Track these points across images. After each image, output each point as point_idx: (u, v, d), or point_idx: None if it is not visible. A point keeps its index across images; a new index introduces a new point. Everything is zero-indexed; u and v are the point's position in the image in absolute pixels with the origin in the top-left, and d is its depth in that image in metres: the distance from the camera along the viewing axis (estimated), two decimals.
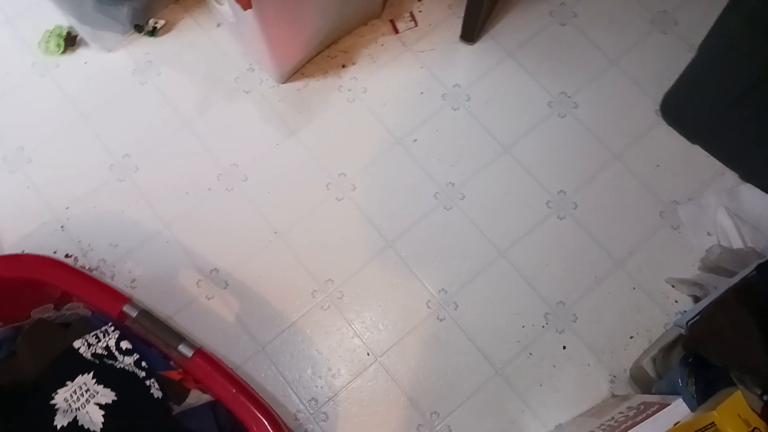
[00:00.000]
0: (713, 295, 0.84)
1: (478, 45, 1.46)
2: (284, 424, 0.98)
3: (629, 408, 0.91)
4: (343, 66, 1.45)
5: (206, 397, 1.02)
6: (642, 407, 0.87)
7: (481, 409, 1.19)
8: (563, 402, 1.19)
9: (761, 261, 0.73)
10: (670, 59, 1.42)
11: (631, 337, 1.22)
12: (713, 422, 0.71)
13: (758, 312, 0.73)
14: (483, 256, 1.29)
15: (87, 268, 1.29)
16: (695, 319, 0.83)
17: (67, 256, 1.31)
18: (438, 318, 1.25)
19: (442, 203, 1.33)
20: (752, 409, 0.71)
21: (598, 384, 1.19)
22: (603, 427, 0.92)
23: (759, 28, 1.02)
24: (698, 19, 1.45)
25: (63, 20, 1.46)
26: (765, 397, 0.72)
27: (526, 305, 1.25)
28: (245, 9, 0.95)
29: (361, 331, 1.25)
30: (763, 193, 1.28)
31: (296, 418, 1.20)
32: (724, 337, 0.74)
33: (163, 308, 1.26)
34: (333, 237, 1.31)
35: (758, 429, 0.70)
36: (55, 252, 1.31)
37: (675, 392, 0.85)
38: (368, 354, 1.23)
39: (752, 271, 0.79)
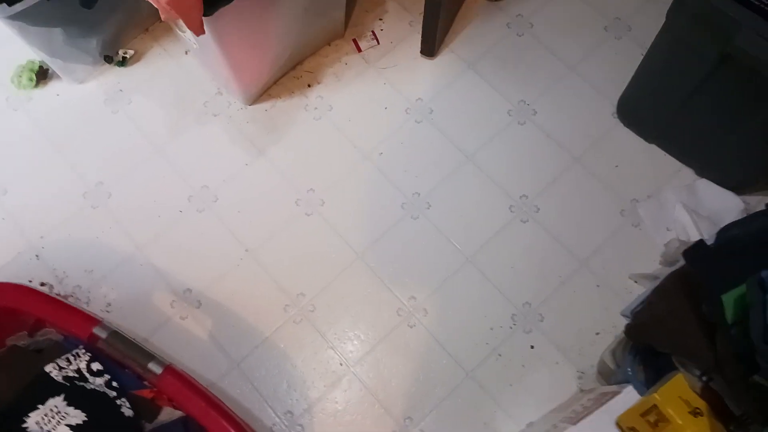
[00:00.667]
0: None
1: (438, 59, 1.50)
2: None
3: (589, 399, 0.93)
4: (309, 85, 1.49)
5: (178, 413, 1.04)
6: (600, 397, 0.89)
7: (454, 412, 1.21)
8: (534, 400, 1.20)
9: (685, 247, 0.76)
10: (626, 63, 1.45)
11: (597, 334, 1.24)
12: (655, 404, 0.74)
13: (694, 298, 0.75)
14: (450, 263, 1.31)
15: (62, 295, 1.32)
16: (639, 307, 0.86)
17: (42, 284, 1.33)
18: (408, 325, 1.27)
19: (408, 213, 1.36)
20: (693, 390, 0.74)
21: (567, 381, 1.21)
22: (563, 419, 0.94)
23: (703, 25, 1.06)
24: (651, 24, 1.46)
25: (34, 55, 1.50)
26: (704, 378, 0.75)
27: (494, 308, 1.27)
28: (197, 35, 0.99)
29: (334, 343, 1.27)
30: (719, 188, 1.32)
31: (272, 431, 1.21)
32: (664, 324, 0.77)
33: (138, 330, 1.28)
34: (303, 252, 1.34)
35: (699, 408, 0.73)
36: (30, 281, 1.33)
37: (628, 381, 0.87)
38: (341, 364, 1.25)
39: None
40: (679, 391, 0.74)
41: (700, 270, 0.72)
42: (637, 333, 0.84)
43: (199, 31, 0.98)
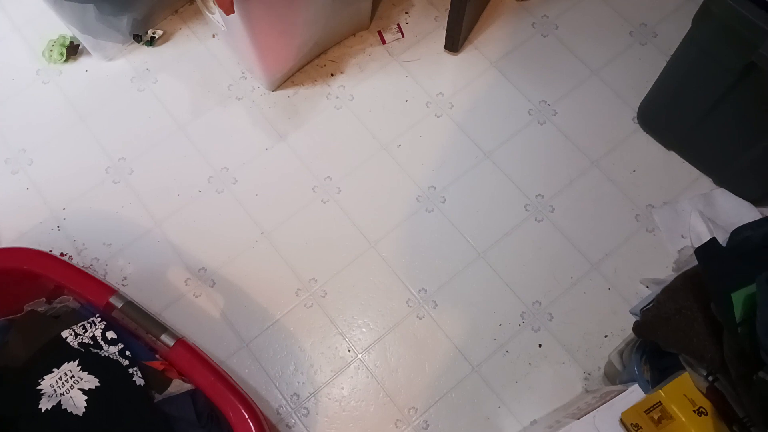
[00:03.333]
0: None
1: (462, 55, 1.51)
2: (260, 411, 1.01)
3: (593, 397, 0.94)
4: (332, 75, 1.51)
5: (187, 386, 1.06)
6: (604, 395, 0.90)
7: (457, 405, 1.22)
8: (538, 399, 1.21)
9: (698, 246, 0.76)
10: (649, 69, 1.46)
11: (606, 336, 1.25)
12: (660, 401, 0.74)
13: (703, 297, 0.76)
14: (462, 257, 1.32)
15: (81, 265, 1.34)
16: (648, 306, 0.86)
17: (62, 254, 1.36)
18: (418, 316, 1.28)
19: (423, 206, 1.37)
20: (698, 390, 0.74)
21: (572, 381, 1.22)
22: (568, 415, 0.95)
23: (728, 34, 1.06)
24: (676, 32, 1.48)
25: (66, 30, 1.53)
26: (710, 378, 0.75)
27: (504, 304, 1.28)
28: (227, 14, 1.01)
29: (343, 329, 1.28)
30: (736, 198, 1.31)
31: (278, 413, 1.23)
32: (671, 323, 0.77)
33: (152, 305, 1.31)
34: (318, 238, 1.36)
35: (703, 408, 0.73)
36: (50, 250, 1.36)
37: (634, 380, 0.87)
38: (349, 351, 1.27)
39: None
40: (684, 390, 0.74)
41: (711, 268, 0.73)
42: (645, 331, 0.84)
43: (228, 10, 1.00)
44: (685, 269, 0.81)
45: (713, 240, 0.76)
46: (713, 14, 1.07)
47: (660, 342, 0.81)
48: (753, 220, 1.27)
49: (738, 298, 0.67)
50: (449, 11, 1.37)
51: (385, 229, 1.36)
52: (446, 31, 1.44)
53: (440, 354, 1.26)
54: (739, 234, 0.78)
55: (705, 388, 0.75)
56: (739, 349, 0.66)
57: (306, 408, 1.23)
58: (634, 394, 0.82)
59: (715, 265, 0.72)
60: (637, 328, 0.86)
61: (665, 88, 1.31)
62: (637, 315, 0.92)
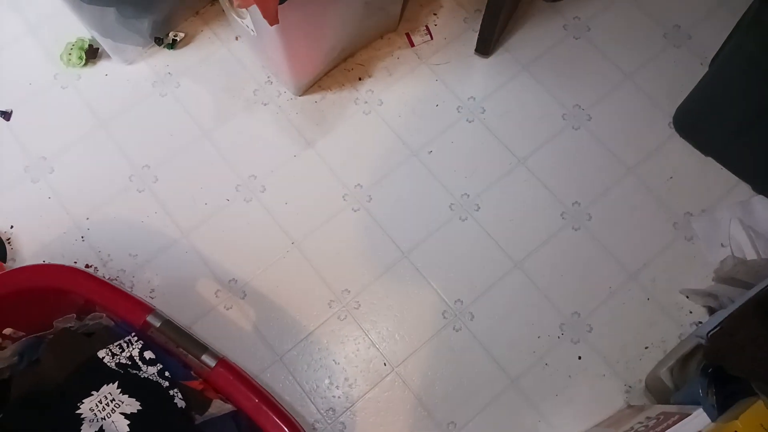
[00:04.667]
0: (731, 307, 0.85)
1: (492, 58, 1.48)
2: None
3: (648, 418, 0.92)
4: (360, 79, 1.47)
5: (228, 407, 1.03)
6: (662, 417, 0.88)
7: (496, 419, 1.20)
8: (578, 412, 1.19)
9: (762, 262, 0.74)
10: (684, 73, 1.43)
11: (646, 348, 1.23)
12: (736, 431, 0.72)
13: None
14: (498, 267, 1.30)
15: (107, 278, 1.31)
16: (715, 330, 0.84)
17: (87, 266, 1.32)
18: (454, 328, 1.26)
19: (457, 214, 1.34)
20: None
21: (613, 394, 1.20)
22: None
23: None
24: (711, 34, 1.46)
25: (85, 33, 1.49)
26: None
27: (542, 316, 1.26)
28: (272, 25, 0.97)
29: (378, 341, 1.26)
30: None
31: (314, 428, 1.21)
32: (746, 352, 0.75)
33: (181, 318, 1.28)
34: (349, 247, 1.33)
35: None
36: (75, 262, 1.32)
37: (694, 402, 0.85)
38: (385, 364, 1.25)
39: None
40: (761, 419, 0.72)
41: None
42: (717, 357, 0.82)
43: (273, 20, 0.96)
44: (752, 292, 0.78)
45: None
46: (764, 26, 1.04)
47: (733, 370, 0.79)
48: None
49: None
50: (484, 14, 1.34)
51: (417, 239, 1.33)
52: (479, 34, 1.41)
53: (478, 367, 1.24)
54: None
55: None
56: None
57: (342, 422, 1.21)
58: (699, 419, 0.80)
59: None
60: (708, 354, 0.84)
61: (706, 95, 1.29)
62: (702, 338, 0.90)
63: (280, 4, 0.97)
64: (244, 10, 1.18)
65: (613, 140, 1.39)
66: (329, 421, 1.21)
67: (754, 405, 0.74)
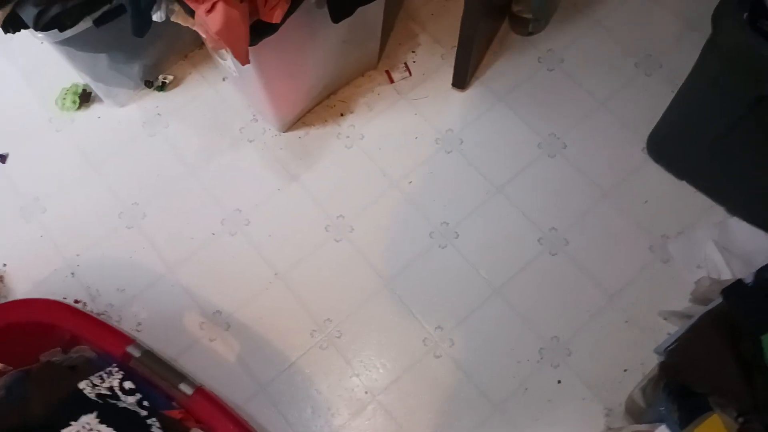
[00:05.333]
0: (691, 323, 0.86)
1: (469, 91, 1.53)
2: None
3: None
4: (342, 114, 1.52)
5: None
6: None
7: None
8: None
9: (725, 286, 0.75)
10: (656, 100, 1.46)
11: (625, 371, 1.23)
12: None
13: (731, 337, 0.75)
14: (478, 294, 1.32)
15: (95, 312, 1.34)
16: (672, 345, 0.85)
17: (76, 301, 1.36)
18: (435, 355, 1.27)
19: (437, 242, 1.37)
20: None
21: (594, 417, 1.20)
22: None
23: (737, 67, 1.07)
24: (682, 62, 1.47)
25: (78, 78, 1.56)
26: (740, 420, 0.74)
27: (521, 341, 1.27)
28: (243, 64, 1.03)
29: (360, 370, 1.27)
30: (751, 227, 1.31)
31: None
32: (700, 364, 0.76)
33: (167, 350, 1.30)
34: (331, 278, 1.35)
35: None
36: (64, 298, 1.36)
37: (662, 420, 0.86)
38: (366, 392, 1.25)
39: None
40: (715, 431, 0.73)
41: (739, 309, 0.72)
42: (672, 372, 0.83)
43: (244, 60, 1.02)
44: (707, 305, 0.80)
45: (740, 281, 0.75)
46: (720, 46, 1.08)
47: (689, 383, 0.80)
48: None
49: None
50: (457, 49, 1.39)
51: (398, 267, 1.35)
52: (454, 69, 1.46)
53: (460, 393, 1.24)
54: (765, 273, 0.77)
55: (735, 430, 0.74)
56: None
57: None
58: None
59: (743, 306, 0.71)
60: (664, 368, 0.85)
61: (674, 119, 1.32)
62: (661, 354, 0.91)
63: (251, 45, 1.02)
64: (224, 51, 1.24)
65: (588, 167, 1.42)
66: None
67: (710, 418, 0.74)
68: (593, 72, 1.53)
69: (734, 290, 0.74)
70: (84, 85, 1.56)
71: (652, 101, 1.47)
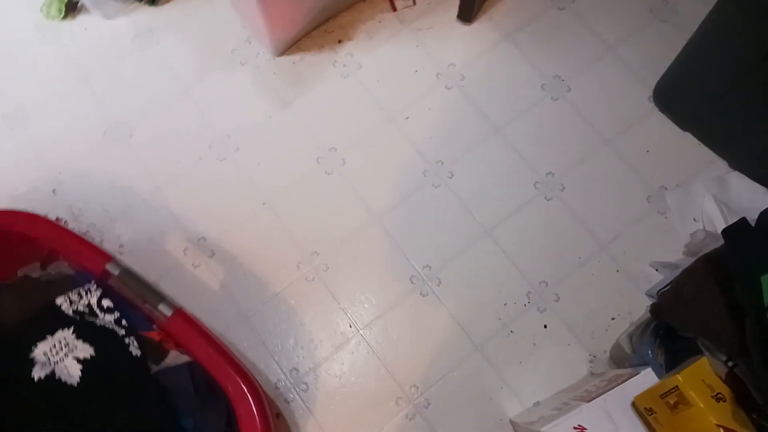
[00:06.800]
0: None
1: (475, 26, 1.46)
2: (260, 385, 0.99)
3: (602, 380, 0.92)
4: (340, 41, 1.45)
5: (184, 358, 1.03)
6: (614, 378, 0.88)
7: (459, 384, 1.20)
8: (542, 380, 1.19)
9: (727, 225, 0.73)
10: (668, 48, 1.40)
11: (613, 319, 1.22)
12: (677, 386, 0.72)
13: (723, 281, 0.73)
14: (468, 234, 1.29)
15: (77, 231, 1.31)
16: (665, 288, 0.83)
17: (57, 219, 1.32)
18: (421, 293, 1.26)
19: (430, 181, 1.33)
20: (717, 375, 0.72)
21: (577, 363, 1.19)
22: (575, 397, 0.92)
23: (757, 14, 1.02)
24: (698, 10, 1.42)
25: None
26: (729, 364, 0.72)
27: (509, 283, 1.25)
28: None
29: (345, 304, 1.26)
30: (751, 182, 1.28)
31: (277, 387, 1.21)
32: (690, 306, 0.75)
33: (149, 273, 1.27)
34: (320, 210, 1.32)
35: (721, 394, 0.71)
36: (45, 215, 1.31)
37: (646, 364, 0.85)
38: (350, 326, 1.24)
39: None
40: (702, 375, 0.72)
41: (740, 250, 0.69)
42: (662, 313, 0.82)
43: None
44: (705, 251, 0.77)
45: (743, 220, 0.73)
46: None
47: (677, 325, 0.79)
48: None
49: None
50: None
51: (390, 204, 1.32)
52: (460, 2, 1.39)
53: (443, 332, 1.23)
54: (767, 215, 0.74)
55: (724, 373, 0.73)
56: (763, 335, 0.64)
57: (305, 383, 1.21)
58: (647, 377, 0.79)
59: (744, 247, 0.69)
60: (654, 309, 0.83)
61: (684, 68, 1.27)
62: (653, 297, 0.89)
63: None
64: None
65: (591, 112, 1.38)
66: (292, 381, 1.21)
67: (698, 361, 0.73)
68: (605, 14, 1.46)
69: (737, 229, 0.71)
70: None
71: (664, 49, 1.41)
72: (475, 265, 1.27)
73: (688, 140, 1.35)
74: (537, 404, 1.16)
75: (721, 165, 1.32)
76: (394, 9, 1.47)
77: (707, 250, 1.15)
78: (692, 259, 1.17)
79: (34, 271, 1.14)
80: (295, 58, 1.44)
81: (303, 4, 1.33)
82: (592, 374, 1.16)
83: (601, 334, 1.21)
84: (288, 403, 1.20)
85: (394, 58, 1.43)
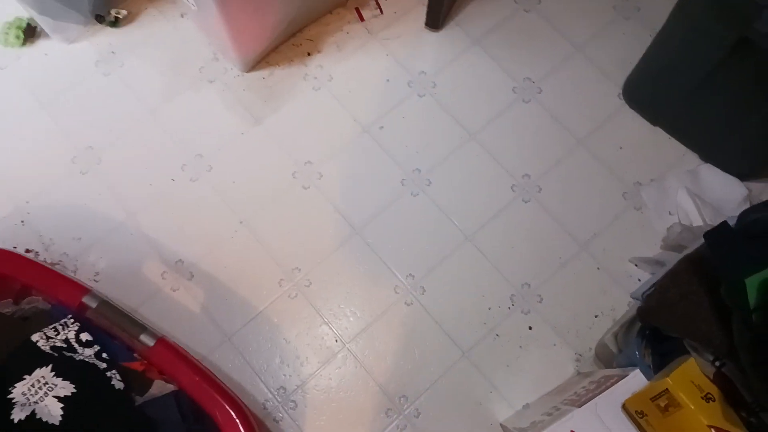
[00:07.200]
0: (669, 268, 0.85)
1: (443, 32, 1.46)
2: (248, 409, 0.97)
3: (591, 382, 0.92)
4: (309, 54, 1.44)
5: (170, 387, 1.01)
6: (603, 380, 0.88)
7: (449, 391, 1.19)
8: (530, 382, 1.19)
9: (708, 229, 0.74)
10: (634, 45, 1.43)
11: (596, 317, 1.23)
12: (667, 388, 0.72)
13: (708, 282, 0.74)
14: (449, 241, 1.29)
15: (48, 262, 1.27)
16: (650, 290, 0.84)
17: (27, 251, 1.28)
18: (405, 303, 1.25)
19: (408, 189, 1.33)
20: (705, 375, 0.73)
21: (564, 363, 1.20)
22: (565, 401, 0.93)
23: (719, 11, 1.03)
24: (660, 5, 1.45)
25: (22, 11, 1.43)
26: (717, 363, 0.73)
27: (493, 288, 1.26)
28: None
29: (329, 319, 1.25)
30: (722, 174, 1.30)
31: (265, 407, 1.19)
32: (676, 308, 0.75)
33: (128, 301, 1.25)
34: (300, 226, 1.31)
35: (710, 394, 0.72)
36: (15, 247, 1.28)
37: (633, 365, 0.86)
38: (336, 341, 1.23)
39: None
40: (691, 376, 0.72)
41: (722, 252, 0.70)
42: (649, 316, 0.82)
43: None
44: (681, 244, 0.78)
45: (724, 223, 0.74)
46: None
47: (664, 328, 0.79)
48: (739, 193, 1.28)
49: (753, 282, 0.65)
50: None
51: (369, 215, 1.31)
52: (428, 8, 1.39)
53: (430, 340, 1.23)
54: (748, 216, 0.76)
55: (712, 373, 0.74)
56: (751, 336, 0.65)
57: (293, 401, 1.20)
58: (636, 379, 0.80)
59: (726, 249, 0.69)
60: (641, 313, 0.84)
61: (651, 64, 1.29)
62: (638, 299, 0.90)
63: None
64: None
65: (563, 112, 1.39)
66: (280, 400, 1.19)
67: (686, 362, 0.74)
68: (570, 14, 1.48)
69: (718, 232, 0.72)
70: (28, 18, 1.44)
71: (630, 46, 1.43)
72: (457, 271, 1.27)
73: (659, 135, 1.37)
74: (526, 407, 1.17)
75: (692, 157, 1.35)
76: (362, 19, 1.46)
77: (684, 243, 1.17)
78: (670, 253, 1.19)
79: (7, 307, 1.10)
80: (264, 73, 1.42)
81: (268, 19, 1.31)
82: (579, 373, 1.17)
83: (585, 333, 1.22)
84: (277, 422, 1.18)
85: (365, 69, 1.43)
